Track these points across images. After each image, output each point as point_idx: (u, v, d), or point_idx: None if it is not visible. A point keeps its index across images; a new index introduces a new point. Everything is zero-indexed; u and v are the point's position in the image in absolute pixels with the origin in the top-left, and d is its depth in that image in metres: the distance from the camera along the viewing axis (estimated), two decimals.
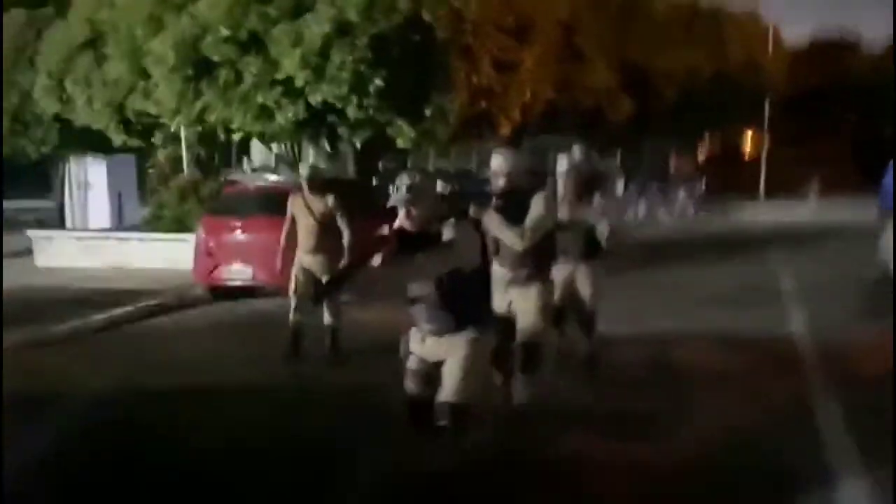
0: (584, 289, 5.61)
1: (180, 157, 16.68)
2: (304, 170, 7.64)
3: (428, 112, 13.41)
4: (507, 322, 4.51)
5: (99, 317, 8.94)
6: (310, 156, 23.37)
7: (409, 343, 3.71)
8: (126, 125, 15.93)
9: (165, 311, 9.64)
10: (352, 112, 12.92)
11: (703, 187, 24.91)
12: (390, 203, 3.55)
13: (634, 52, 21.75)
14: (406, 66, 12.60)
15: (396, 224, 3.56)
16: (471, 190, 14.85)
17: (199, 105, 13.18)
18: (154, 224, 13.53)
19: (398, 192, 3.48)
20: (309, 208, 7.13)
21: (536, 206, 4.33)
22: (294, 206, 7.27)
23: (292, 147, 18.92)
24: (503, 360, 4.49)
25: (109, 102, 15.26)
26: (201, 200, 13.19)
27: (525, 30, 14.76)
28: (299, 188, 7.45)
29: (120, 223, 18.15)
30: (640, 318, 7.70)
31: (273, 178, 16.46)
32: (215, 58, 12.64)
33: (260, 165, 23.64)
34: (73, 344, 7.86)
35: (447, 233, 3.45)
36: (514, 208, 4.31)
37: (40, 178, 22.67)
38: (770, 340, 7.16)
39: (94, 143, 17.96)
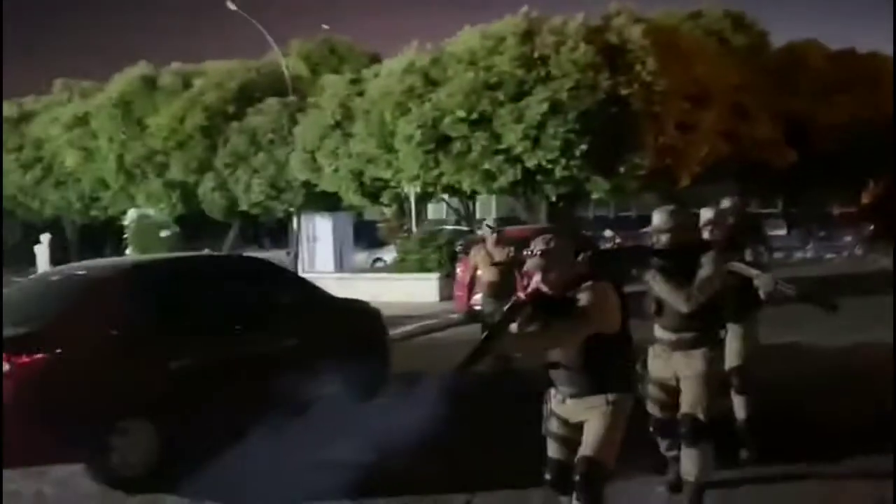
0: (738, 350, 5.03)
1: (403, 213, 20.18)
2: (489, 222, 8.99)
3: (622, 169, 16.01)
4: (670, 390, 4.25)
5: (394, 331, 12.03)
6: (492, 209, 26.62)
7: (551, 403, 3.58)
8: (360, 189, 19.63)
9: (438, 329, 12.64)
10: (558, 171, 15.75)
11: (871, 229, 25.74)
12: (525, 268, 3.43)
13: (796, 103, 23.39)
14: (606, 132, 15.32)
15: (531, 286, 3.37)
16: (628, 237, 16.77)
17: (435, 172, 16.50)
18: (400, 266, 16.78)
19: (531, 256, 3.37)
20: (491, 257, 7.81)
21: (706, 265, 4.00)
22: (477, 256, 8.09)
23: (468, 203, 22.02)
24: (667, 430, 4.28)
25: (352, 171, 18.96)
26: (439, 247, 16.31)
27: (703, 95, 17.14)
28: (482, 240, 8.35)
29: (341, 268, 21.84)
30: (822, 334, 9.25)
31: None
32: (452, 134, 15.94)
33: (436, 219, 27.07)
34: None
35: (583, 297, 3.31)
36: (677, 267, 4.01)
37: (273, 233, 27.08)
38: None
39: (326, 203, 21.92)
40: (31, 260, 22.12)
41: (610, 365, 3.38)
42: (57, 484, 5.34)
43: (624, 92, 15.38)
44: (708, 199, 19.41)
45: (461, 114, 15.60)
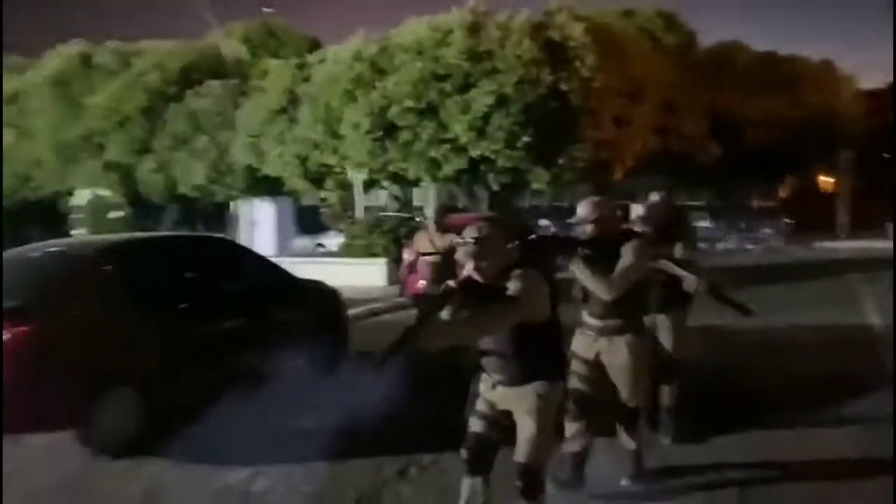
0: (666, 340, 5.21)
1: (347, 200, 20.46)
2: (430, 210, 9.37)
3: (561, 161, 16.73)
4: (598, 370, 4.32)
5: None
6: (430, 198, 27.05)
7: (479, 385, 3.55)
8: (304, 174, 19.84)
9: (386, 311, 13.09)
10: (501, 161, 16.36)
11: (787, 222, 27.37)
12: (458, 256, 3.43)
13: (721, 101, 24.67)
14: (547, 125, 15.99)
15: (464, 274, 3.35)
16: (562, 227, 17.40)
17: (382, 159, 16.87)
18: (347, 251, 17.11)
19: (466, 244, 3.31)
20: (433, 244, 8.10)
21: (626, 254, 4.07)
22: (420, 241, 8.42)
23: (407, 191, 22.48)
24: (585, 408, 4.32)
25: (297, 156, 19.15)
26: (385, 233, 16.70)
27: (637, 92, 18.01)
28: (426, 227, 8.67)
29: (281, 252, 22.01)
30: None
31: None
32: (399, 123, 16.33)
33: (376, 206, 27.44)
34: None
35: (513, 285, 3.25)
36: (602, 256, 4.09)
37: (209, 217, 26.84)
38: (850, 328, 9.85)
39: (268, 188, 22.02)
40: None
41: (540, 353, 3.36)
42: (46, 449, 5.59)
43: (564, 87, 16.07)
44: (639, 191, 20.36)
45: (409, 103, 16.03)
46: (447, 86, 15.84)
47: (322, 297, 8.26)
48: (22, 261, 6.11)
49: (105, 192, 17.29)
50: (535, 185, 17.91)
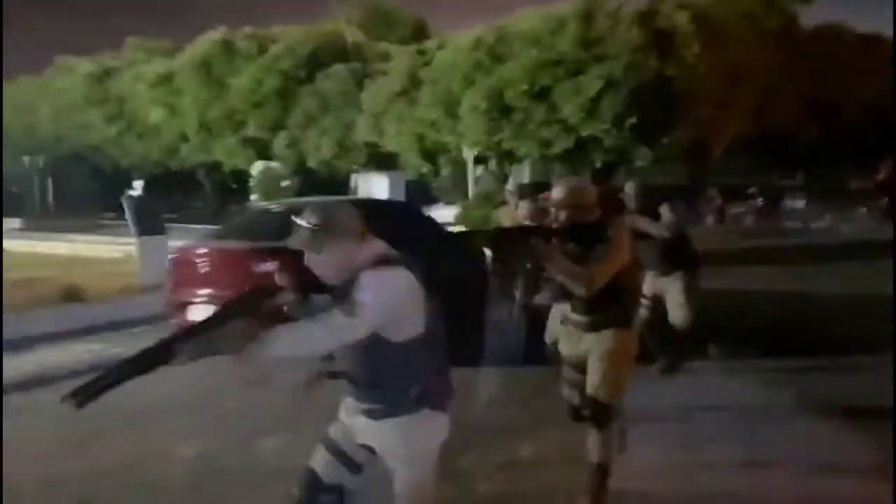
0: (674, 306, 5.46)
1: (460, 176, 22.31)
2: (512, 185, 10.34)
3: (664, 141, 18.08)
4: (584, 370, 3.65)
5: None
6: (525, 175, 28.72)
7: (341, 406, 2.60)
8: (421, 151, 21.79)
9: None
10: (608, 141, 17.84)
11: (885, 203, 27.64)
12: (290, 244, 2.41)
13: (821, 83, 25.20)
14: (652, 108, 17.35)
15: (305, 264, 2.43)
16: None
17: (496, 138, 18.61)
18: (460, 221, 18.97)
19: (297, 231, 2.36)
20: (512, 217, 8.70)
21: (608, 242, 3.45)
22: (500, 214, 8.48)
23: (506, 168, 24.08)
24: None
25: (414, 134, 21.08)
26: (494, 206, 18.43)
27: (738, 75, 19.11)
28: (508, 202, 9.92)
29: None
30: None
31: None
32: (514, 105, 18.01)
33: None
34: None
35: (360, 289, 2.26)
36: (577, 246, 3.51)
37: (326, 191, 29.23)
38: None
39: (384, 163, 24.09)
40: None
41: (404, 380, 2.43)
42: None
43: (670, 72, 17.37)
44: (734, 171, 21.36)
45: (523, 87, 17.65)
46: (560, 71, 17.38)
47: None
48: (266, 214, 8.05)
49: (274, 164, 19.60)
50: (638, 164, 19.27)
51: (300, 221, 2.37)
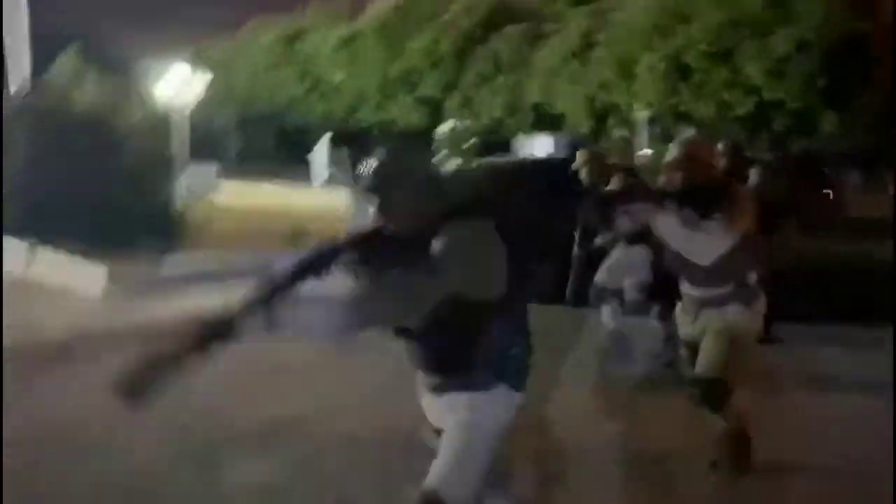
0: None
1: (627, 138, 22.31)
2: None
3: (855, 105, 17.25)
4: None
5: None
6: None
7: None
8: (591, 112, 21.94)
9: None
10: (793, 105, 17.27)
11: None
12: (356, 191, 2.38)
13: None
14: (843, 70, 16.60)
15: (369, 224, 2.16)
16: None
17: (673, 100, 18.50)
18: None
19: (361, 177, 2.10)
20: None
21: (730, 209, 3.10)
22: None
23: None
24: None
25: (586, 96, 21.26)
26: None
27: None
28: None
29: None
30: None
31: None
32: (694, 66, 17.81)
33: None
34: None
35: (438, 244, 2.02)
36: (699, 208, 3.13)
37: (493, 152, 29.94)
38: None
39: (548, 125, 24.41)
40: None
41: (472, 349, 2.11)
42: None
43: (864, 30, 16.50)
44: None
45: (704, 48, 17.40)
46: (745, 31, 16.97)
47: None
48: (488, 167, 9.00)
49: (457, 124, 20.67)
50: (827, 128, 18.51)
51: (370, 161, 2.04)
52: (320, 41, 27.05)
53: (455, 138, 19.42)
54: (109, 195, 9.86)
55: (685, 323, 3.32)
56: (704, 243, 3.08)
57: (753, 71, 17.00)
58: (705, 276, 3.17)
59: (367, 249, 2.09)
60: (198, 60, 28.03)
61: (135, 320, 6.71)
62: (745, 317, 3.19)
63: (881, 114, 18.43)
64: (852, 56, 16.66)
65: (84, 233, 8.95)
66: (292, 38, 28.46)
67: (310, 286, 1.97)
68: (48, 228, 8.94)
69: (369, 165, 2.04)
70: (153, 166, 10.86)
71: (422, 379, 2.20)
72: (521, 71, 23.56)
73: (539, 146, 26.69)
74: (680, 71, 18.08)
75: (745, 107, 17.62)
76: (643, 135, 21.45)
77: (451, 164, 18.33)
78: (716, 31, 17.20)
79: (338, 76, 26.19)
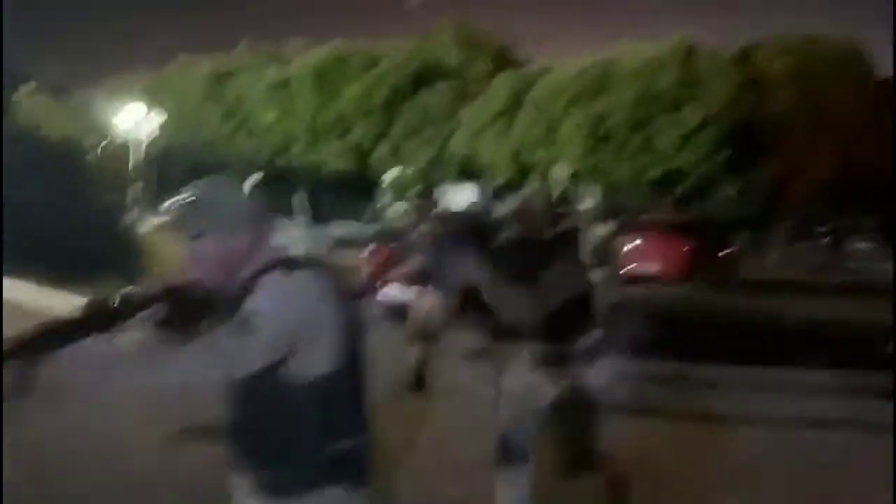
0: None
1: (549, 194, 23.92)
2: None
3: (752, 174, 19.46)
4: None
5: None
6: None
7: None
8: (515, 167, 23.44)
9: None
10: (699, 171, 19.31)
11: None
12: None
13: None
14: (743, 144, 18.79)
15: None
16: None
17: (592, 161, 20.21)
18: None
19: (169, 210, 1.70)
20: None
21: (560, 261, 2.95)
22: None
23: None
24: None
25: (511, 151, 22.76)
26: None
27: (825, 122, 20.42)
28: None
29: None
30: None
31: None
32: (613, 133, 19.62)
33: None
34: None
35: (254, 299, 1.60)
36: (524, 263, 2.93)
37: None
38: None
39: (471, 175, 25.79)
40: None
41: (297, 439, 1.70)
42: None
43: (761, 114, 18.79)
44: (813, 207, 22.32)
45: (622, 116, 19.26)
46: (659, 105, 18.95)
47: None
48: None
49: (406, 170, 21.59)
50: (728, 192, 20.57)
51: (181, 196, 1.71)
52: (252, 81, 27.53)
53: (399, 184, 20.41)
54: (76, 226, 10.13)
55: (518, 383, 3.02)
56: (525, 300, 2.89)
57: (665, 140, 18.93)
58: (534, 331, 2.93)
59: (175, 303, 1.62)
60: (122, 92, 27.87)
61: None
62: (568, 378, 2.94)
63: (774, 182, 20.80)
64: (750, 134, 18.87)
65: (52, 263, 9.20)
66: (222, 77, 28.79)
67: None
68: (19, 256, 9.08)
69: (181, 198, 1.67)
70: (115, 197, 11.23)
71: (239, 478, 1.75)
72: (448, 125, 24.90)
73: (462, 195, 27.98)
74: (599, 135, 19.82)
75: (655, 171, 19.50)
76: (559, 191, 23.09)
77: (396, 209, 19.23)
78: (633, 103, 19.08)
79: (269, 117, 26.71)
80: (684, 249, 13.80)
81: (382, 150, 25.51)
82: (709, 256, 14.06)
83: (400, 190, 20.44)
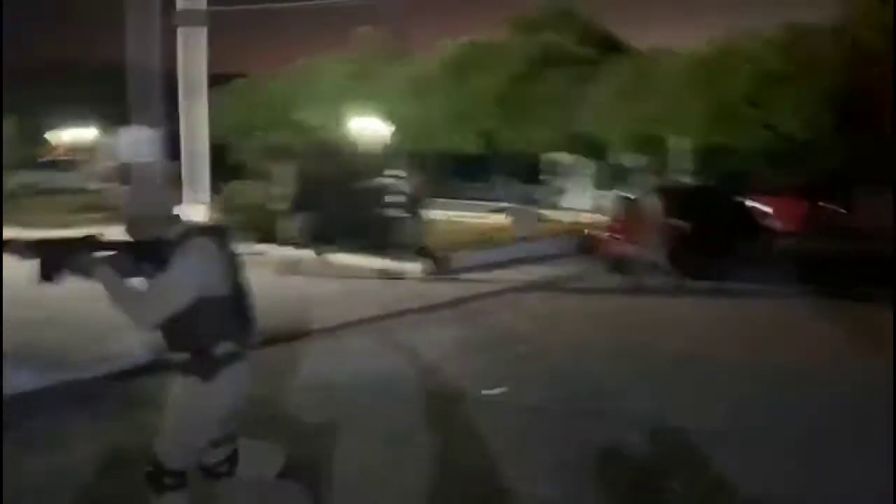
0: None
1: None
2: None
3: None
4: None
5: None
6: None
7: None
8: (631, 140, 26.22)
9: None
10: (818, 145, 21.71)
11: None
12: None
13: None
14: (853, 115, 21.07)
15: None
16: None
17: (714, 137, 22.82)
18: None
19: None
20: None
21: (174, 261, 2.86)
22: None
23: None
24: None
25: (634, 131, 25.49)
26: None
27: None
28: None
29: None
30: None
31: None
32: (733, 110, 22.15)
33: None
34: None
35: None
36: (145, 262, 2.95)
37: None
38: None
39: (594, 151, 28.60)
40: None
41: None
42: None
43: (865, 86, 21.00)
44: None
45: (739, 95, 21.79)
46: (773, 83, 21.42)
47: None
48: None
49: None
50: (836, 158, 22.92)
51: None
52: (385, 76, 30.86)
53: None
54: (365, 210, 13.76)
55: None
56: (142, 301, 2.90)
57: (781, 117, 21.40)
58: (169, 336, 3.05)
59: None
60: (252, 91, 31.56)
61: (451, 294, 10.75)
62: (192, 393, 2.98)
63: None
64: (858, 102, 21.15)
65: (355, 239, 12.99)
66: (356, 75, 32.23)
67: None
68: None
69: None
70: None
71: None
72: (571, 108, 27.71)
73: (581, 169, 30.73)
74: (719, 113, 22.39)
75: (773, 143, 22.00)
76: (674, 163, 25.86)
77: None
78: (749, 82, 21.57)
79: (405, 109, 30.05)
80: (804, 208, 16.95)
81: (507, 134, 28.66)
82: (819, 212, 17.13)
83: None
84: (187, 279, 2.82)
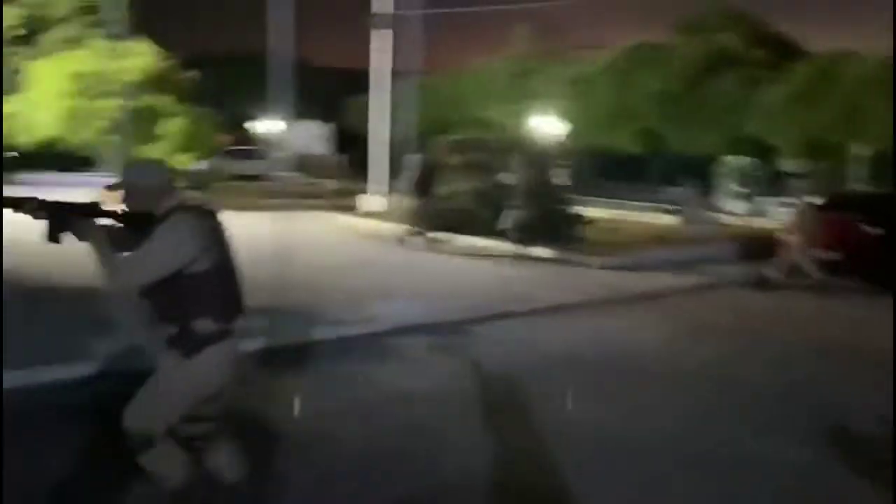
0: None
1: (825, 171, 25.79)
2: None
3: None
4: None
5: None
6: None
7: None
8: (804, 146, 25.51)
9: None
10: None
11: None
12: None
13: None
14: None
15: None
16: None
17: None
18: None
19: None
20: None
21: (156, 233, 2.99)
22: None
23: None
24: None
25: (808, 136, 24.81)
26: None
27: None
28: None
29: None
30: None
31: None
32: None
33: None
34: None
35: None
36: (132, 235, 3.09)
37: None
38: None
39: (756, 153, 27.99)
40: None
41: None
42: None
43: None
44: None
45: None
46: None
47: None
48: None
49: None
50: None
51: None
52: (550, 77, 31.60)
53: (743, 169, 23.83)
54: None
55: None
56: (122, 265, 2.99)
57: None
58: (156, 310, 3.09)
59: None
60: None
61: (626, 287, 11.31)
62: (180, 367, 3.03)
63: None
64: None
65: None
66: (523, 74, 33.19)
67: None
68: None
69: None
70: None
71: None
72: (738, 110, 27.33)
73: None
74: None
75: None
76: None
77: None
78: None
79: (571, 108, 30.66)
80: None
81: (674, 134, 28.57)
82: None
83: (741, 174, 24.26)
84: (162, 250, 2.92)
